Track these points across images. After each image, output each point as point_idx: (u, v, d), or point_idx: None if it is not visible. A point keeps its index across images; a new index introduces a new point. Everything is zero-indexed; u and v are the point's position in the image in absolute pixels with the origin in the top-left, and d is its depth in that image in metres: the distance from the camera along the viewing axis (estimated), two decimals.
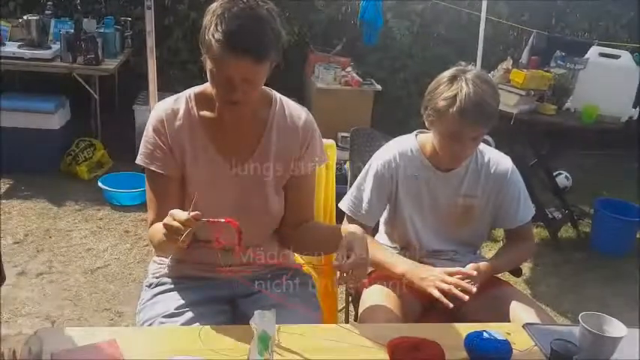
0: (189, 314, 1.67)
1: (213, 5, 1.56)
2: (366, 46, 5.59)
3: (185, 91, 1.77)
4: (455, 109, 1.81)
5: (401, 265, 1.98)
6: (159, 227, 1.60)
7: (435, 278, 1.88)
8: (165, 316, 1.67)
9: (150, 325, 1.68)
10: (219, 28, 1.51)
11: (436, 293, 1.85)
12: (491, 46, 5.83)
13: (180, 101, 1.74)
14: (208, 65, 1.59)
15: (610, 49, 4.05)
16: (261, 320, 1.24)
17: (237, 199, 1.73)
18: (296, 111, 1.80)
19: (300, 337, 1.53)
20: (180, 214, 1.46)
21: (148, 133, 1.73)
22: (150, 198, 1.76)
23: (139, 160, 1.74)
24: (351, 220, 2.07)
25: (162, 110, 1.73)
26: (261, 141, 1.76)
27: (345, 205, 2.11)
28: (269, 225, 1.84)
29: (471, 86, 1.81)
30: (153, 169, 1.72)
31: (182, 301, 1.72)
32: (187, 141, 1.72)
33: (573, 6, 6.27)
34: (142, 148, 1.74)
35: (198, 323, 1.63)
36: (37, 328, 2.75)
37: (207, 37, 1.54)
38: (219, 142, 1.73)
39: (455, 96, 1.82)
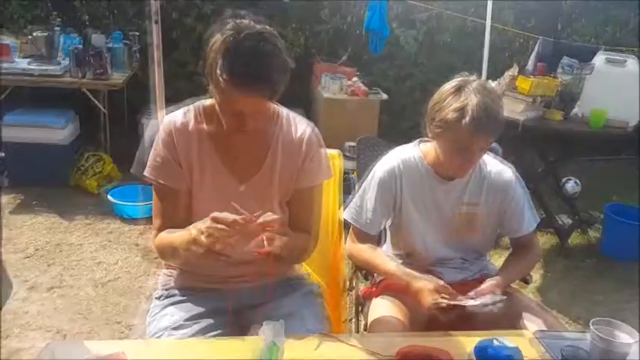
0: (197, 326, 1.68)
1: (217, 40, 1.55)
2: (371, 56, 5.61)
3: (195, 104, 1.78)
4: (467, 119, 1.78)
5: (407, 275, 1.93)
6: (177, 234, 1.65)
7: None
8: (173, 329, 1.68)
9: (159, 337, 1.69)
10: (225, 67, 1.51)
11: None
12: (497, 53, 5.83)
13: (189, 114, 1.76)
14: (216, 97, 1.62)
15: (616, 54, 4.03)
16: (270, 331, 1.24)
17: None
18: (301, 126, 1.81)
19: (308, 347, 1.53)
20: (226, 217, 1.49)
21: (157, 146, 1.75)
22: (157, 207, 1.77)
23: (147, 172, 1.75)
24: (355, 229, 2.07)
25: (172, 123, 1.74)
26: (267, 157, 1.77)
27: (348, 214, 2.10)
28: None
29: (479, 96, 1.80)
30: (161, 181, 1.73)
31: (190, 313, 1.73)
32: (195, 154, 1.73)
33: (579, 12, 6.26)
34: (151, 161, 1.75)
35: (206, 335, 1.64)
36: (48, 341, 2.78)
37: (213, 74, 1.55)
38: (226, 158, 1.75)
39: (465, 107, 1.79)
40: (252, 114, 1.60)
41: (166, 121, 1.77)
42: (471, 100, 1.79)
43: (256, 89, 1.54)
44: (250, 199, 1.74)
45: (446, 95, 1.86)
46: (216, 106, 1.65)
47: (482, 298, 1.78)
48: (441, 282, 1.83)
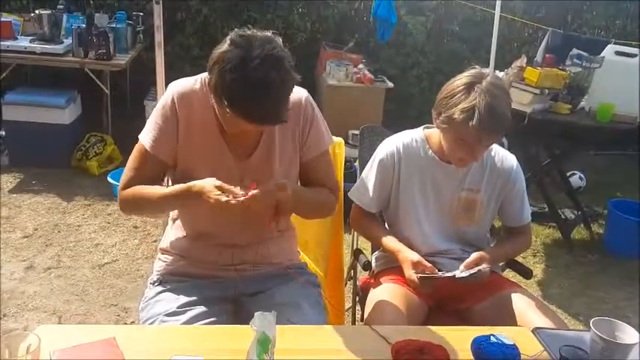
0: (190, 313, 1.65)
1: (221, 58, 1.48)
2: (378, 43, 5.56)
3: (202, 75, 1.72)
4: (474, 122, 1.77)
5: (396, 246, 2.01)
6: (157, 187, 1.68)
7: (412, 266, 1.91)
8: (167, 315, 1.65)
9: (152, 323, 1.66)
10: (232, 99, 1.47)
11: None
12: (505, 43, 5.78)
13: (196, 82, 1.72)
14: (218, 112, 1.59)
15: (626, 47, 3.97)
16: (261, 322, 1.21)
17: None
18: (297, 94, 1.73)
19: (303, 338, 1.51)
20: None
21: (157, 111, 1.72)
22: (134, 164, 1.73)
23: (141, 135, 1.72)
24: (357, 207, 2.12)
25: (177, 87, 1.71)
26: (264, 131, 1.73)
27: (352, 193, 2.14)
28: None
29: (488, 97, 1.77)
30: (147, 148, 1.70)
31: (184, 300, 1.70)
32: (199, 118, 1.70)
33: (590, 4, 6.19)
34: (147, 126, 1.72)
35: (199, 322, 1.62)
36: (44, 322, 2.77)
37: (217, 99, 1.51)
38: (228, 134, 1.70)
39: (473, 108, 1.77)
40: (255, 131, 1.64)
41: (172, 85, 1.73)
42: (480, 101, 1.77)
43: (263, 123, 1.55)
44: (251, 176, 1.71)
45: (456, 92, 1.84)
46: (217, 111, 1.62)
47: (464, 271, 1.86)
48: (419, 257, 1.93)
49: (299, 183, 1.86)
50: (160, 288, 1.78)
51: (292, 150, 1.78)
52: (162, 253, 1.88)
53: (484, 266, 1.86)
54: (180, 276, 1.80)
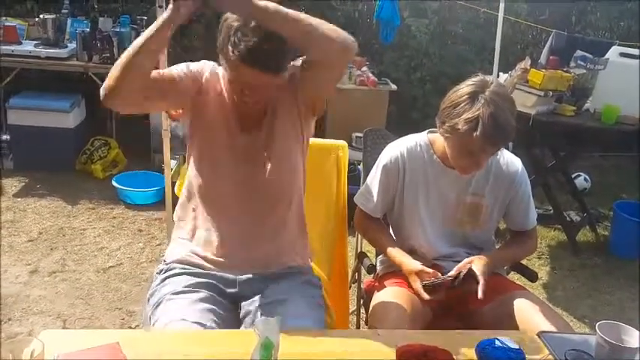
0: (195, 295, 1.69)
1: (229, 17, 1.61)
2: (381, 45, 5.55)
3: None
4: (478, 133, 1.76)
5: (400, 257, 2.01)
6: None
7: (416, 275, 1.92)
8: (173, 294, 1.69)
9: (158, 305, 1.69)
10: (236, 44, 1.57)
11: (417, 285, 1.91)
12: (509, 45, 5.77)
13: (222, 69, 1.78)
14: (227, 74, 1.68)
15: (631, 49, 3.96)
16: (265, 327, 1.21)
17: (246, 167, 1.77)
18: (293, 68, 1.78)
19: (307, 342, 1.50)
20: None
21: (189, 64, 1.79)
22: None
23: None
24: (361, 211, 2.12)
25: (213, 66, 1.81)
26: (269, 105, 1.78)
27: (357, 198, 2.14)
28: (281, 198, 1.83)
29: (492, 107, 1.76)
30: (175, 70, 1.74)
31: (191, 282, 1.74)
32: (213, 97, 1.77)
33: (594, 5, 6.17)
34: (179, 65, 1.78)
35: (204, 305, 1.66)
36: (49, 326, 2.77)
37: (224, 50, 1.61)
38: (237, 106, 1.76)
39: (477, 118, 1.77)
40: (259, 87, 1.65)
41: (209, 62, 1.82)
42: (484, 112, 1.77)
43: (263, 66, 1.58)
44: (256, 142, 1.77)
45: (459, 101, 1.83)
46: (227, 83, 1.72)
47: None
48: (421, 265, 1.93)
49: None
50: (166, 275, 1.80)
51: (292, 124, 1.80)
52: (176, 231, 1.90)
53: (469, 267, 1.88)
54: (186, 264, 1.82)
